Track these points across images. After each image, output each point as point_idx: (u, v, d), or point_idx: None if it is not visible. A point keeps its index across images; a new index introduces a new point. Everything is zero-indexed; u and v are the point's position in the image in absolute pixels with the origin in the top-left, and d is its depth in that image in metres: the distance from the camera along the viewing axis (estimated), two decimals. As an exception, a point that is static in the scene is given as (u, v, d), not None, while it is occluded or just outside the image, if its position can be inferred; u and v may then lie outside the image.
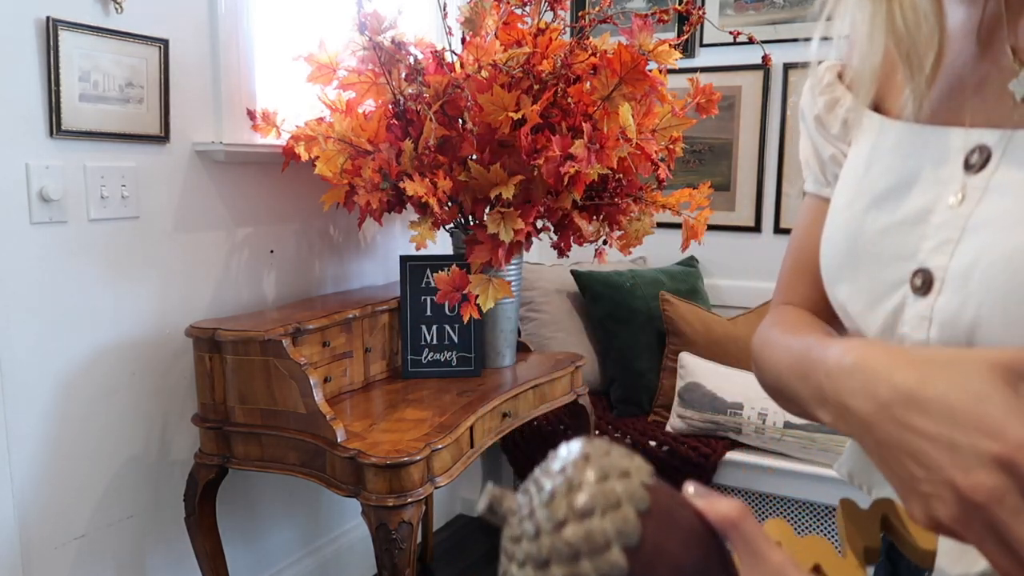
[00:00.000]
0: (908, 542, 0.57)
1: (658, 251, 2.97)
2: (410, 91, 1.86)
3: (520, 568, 0.41)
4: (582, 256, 2.77)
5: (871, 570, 0.58)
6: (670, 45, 1.77)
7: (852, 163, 0.61)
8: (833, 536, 2.42)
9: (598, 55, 1.83)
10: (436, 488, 1.60)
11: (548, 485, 0.42)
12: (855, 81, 0.59)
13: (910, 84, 0.55)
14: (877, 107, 0.62)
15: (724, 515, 0.42)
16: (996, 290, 0.47)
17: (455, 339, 2.01)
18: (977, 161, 0.51)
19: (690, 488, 0.44)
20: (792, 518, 2.49)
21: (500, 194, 1.77)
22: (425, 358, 2.01)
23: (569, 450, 0.43)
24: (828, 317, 0.66)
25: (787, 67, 2.76)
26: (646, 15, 1.76)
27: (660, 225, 2.27)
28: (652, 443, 2.51)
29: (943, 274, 0.51)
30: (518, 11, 1.90)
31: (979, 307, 0.48)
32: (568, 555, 0.39)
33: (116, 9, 1.63)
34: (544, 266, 2.94)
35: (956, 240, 0.50)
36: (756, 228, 2.88)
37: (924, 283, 0.52)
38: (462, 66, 1.86)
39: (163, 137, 1.75)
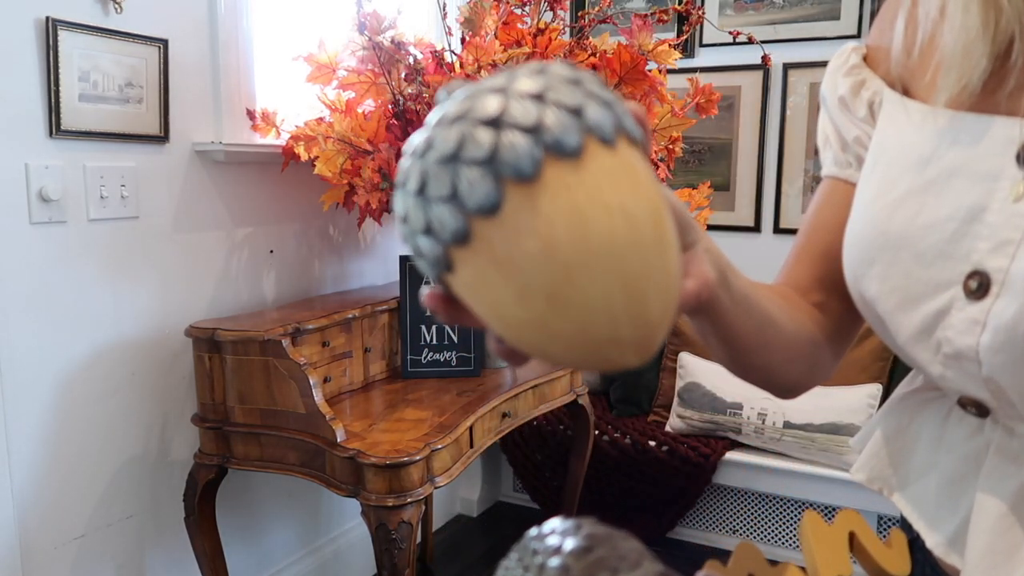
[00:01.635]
0: (876, 566, 0.55)
1: (658, 251, 2.97)
2: (410, 91, 1.86)
3: None
4: (582, 256, 2.76)
5: None
6: (670, 45, 1.78)
7: (878, 150, 0.57)
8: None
9: (598, 55, 1.83)
10: (436, 488, 1.60)
11: None
12: (947, 60, 0.53)
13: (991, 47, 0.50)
14: (906, 92, 0.58)
15: None
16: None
17: (455, 339, 2.01)
18: None
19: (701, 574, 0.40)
20: (791, 518, 2.49)
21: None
22: (425, 358, 2.01)
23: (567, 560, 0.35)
24: (820, 299, 0.64)
25: (787, 67, 2.76)
26: (646, 15, 1.76)
27: (660, 225, 2.27)
28: (652, 443, 2.51)
29: (1002, 277, 0.47)
30: (518, 11, 1.90)
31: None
32: None
33: (116, 9, 1.63)
34: (544, 266, 2.93)
35: (1018, 241, 0.47)
36: (756, 228, 2.88)
37: (980, 286, 0.48)
38: (462, 66, 1.86)
39: (163, 137, 1.75)
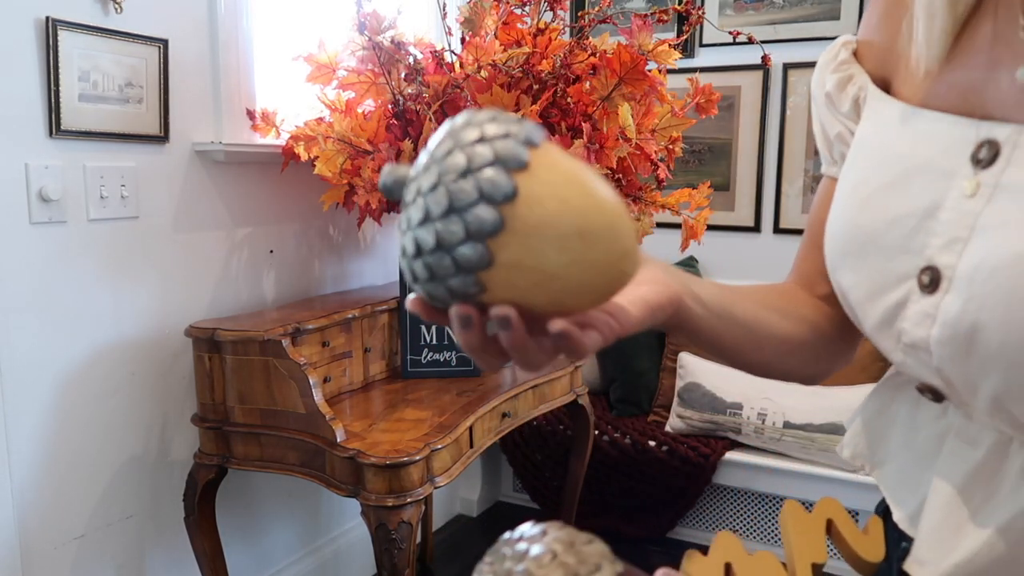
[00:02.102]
0: (851, 552, 0.58)
1: (657, 251, 2.97)
2: (410, 91, 1.86)
3: None
4: (582, 256, 2.77)
5: None
6: (669, 45, 1.78)
7: (858, 145, 0.60)
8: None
9: (597, 55, 1.83)
10: (436, 488, 1.60)
11: None
12: (915, 24, 0.55)
13: (932, 30, 0.53)
14: (886, 89, 0.60)
15: None
16: (999, 294, 0.46)
17: (455, 339, 2.01)
18: (986, 156, 0.49)
19: (659, 573, 0.46)
20: (792, 518, 2.49)
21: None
22: (425, 358, 2.01)
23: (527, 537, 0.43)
24: (825, 292, 0.66)
25: (787, 67, 2.76)
26: (646, 15, 1.76)
27: (660, 225, 2.27)
28: (652, 443, 2.51)
29: (951, 273, 0.49)
30: (518, 11, 1.90)
31: (980, 310, 0.47)
32: None
33: (116, 9, 1.63)
34: (544, 266, 2.93)
35: (966, 239, 0.49)
36: (756, 228, 2.88)
37: (932, 281, 0.50)
38: (462, 66, 1.86)
39: (163, 137, 1.75)
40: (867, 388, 2.42)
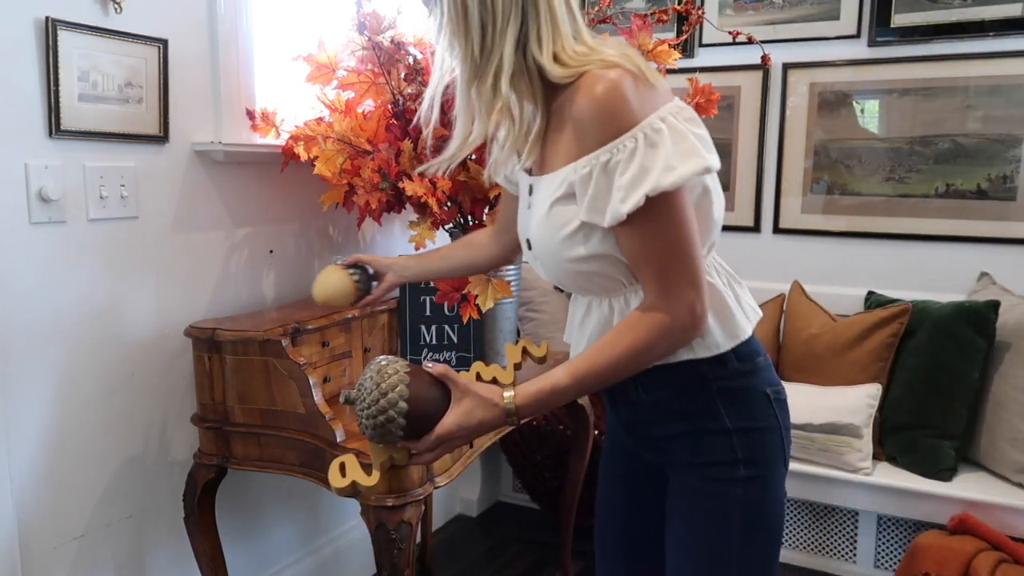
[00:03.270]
0: (531, 354, 1.25)
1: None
2: (409, 91, 1.86)
3: (366, 410, 1.02)
4: (581, 256, 2.77)
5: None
6: (669, 45, 1.78)
7: None
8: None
9: (597, 55, 1.83)
10: (435, 488, 1.61)
11: (369, 379, 1.04)
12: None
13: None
14: None
15: (439, 372, 1.05)
16: (536, 247, 1.11)
17: (454, 339, 2.01)
18: (531, 190, 1.13)
19: (427, 363, 1.07)
20: (790, 518, 2.49)
21: (499, 194, 1.77)
22: (424, 358, 2.01)
23: (372, 363, 1.07)
24: (503, 232, 1.41)
25: (786, 67, 2.77)
26: (645, 15, 1.76)
27: (659, 225, 2.27)
28: (651, 443, 2.51)
29: (528, 240, 1.14)
30: (517, 11, 1.90)
31: (536, 253, 1.13)
32: (383, 393, 1.02)
33: (115, 9, 1.63)
34: (543, 266, 2.95)
35: (529, 224, 1.13)
36: (755, 228, 2.88)
37: (528, 244, 1.15)
38: (461, 66, 1.85)
39: (162, 137, 1.75)
40: (867, 388, 2.42)
